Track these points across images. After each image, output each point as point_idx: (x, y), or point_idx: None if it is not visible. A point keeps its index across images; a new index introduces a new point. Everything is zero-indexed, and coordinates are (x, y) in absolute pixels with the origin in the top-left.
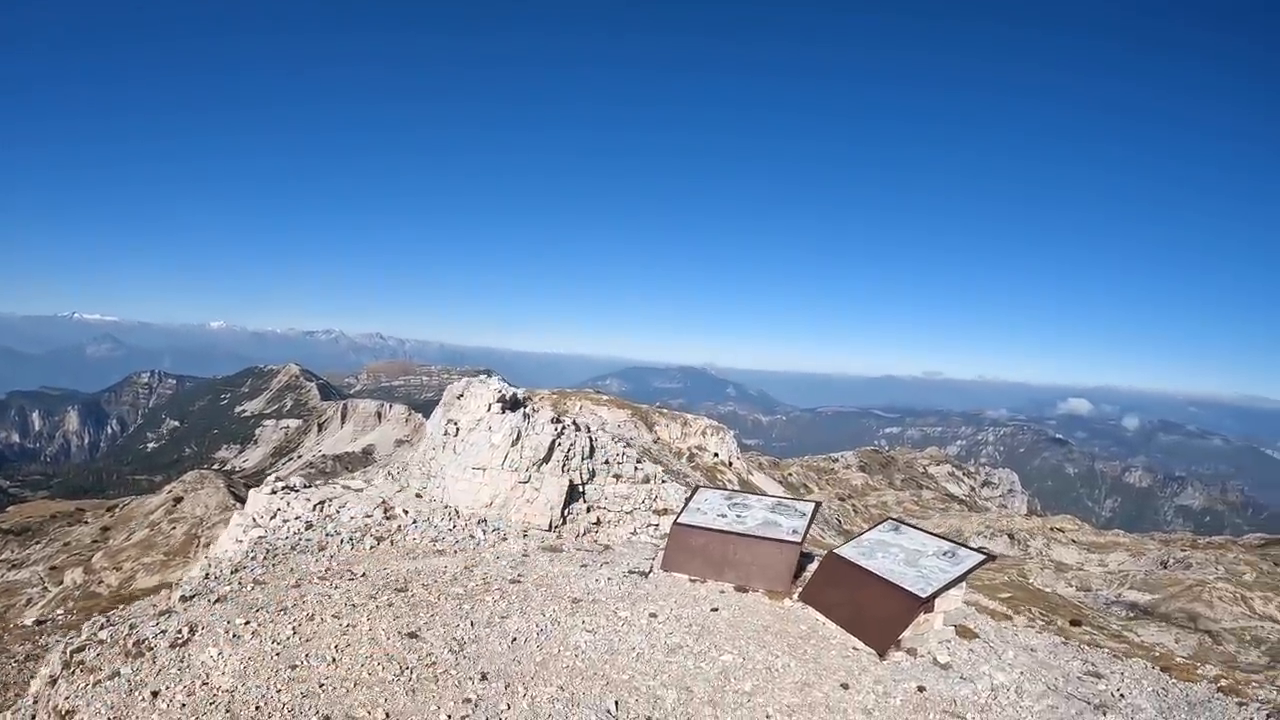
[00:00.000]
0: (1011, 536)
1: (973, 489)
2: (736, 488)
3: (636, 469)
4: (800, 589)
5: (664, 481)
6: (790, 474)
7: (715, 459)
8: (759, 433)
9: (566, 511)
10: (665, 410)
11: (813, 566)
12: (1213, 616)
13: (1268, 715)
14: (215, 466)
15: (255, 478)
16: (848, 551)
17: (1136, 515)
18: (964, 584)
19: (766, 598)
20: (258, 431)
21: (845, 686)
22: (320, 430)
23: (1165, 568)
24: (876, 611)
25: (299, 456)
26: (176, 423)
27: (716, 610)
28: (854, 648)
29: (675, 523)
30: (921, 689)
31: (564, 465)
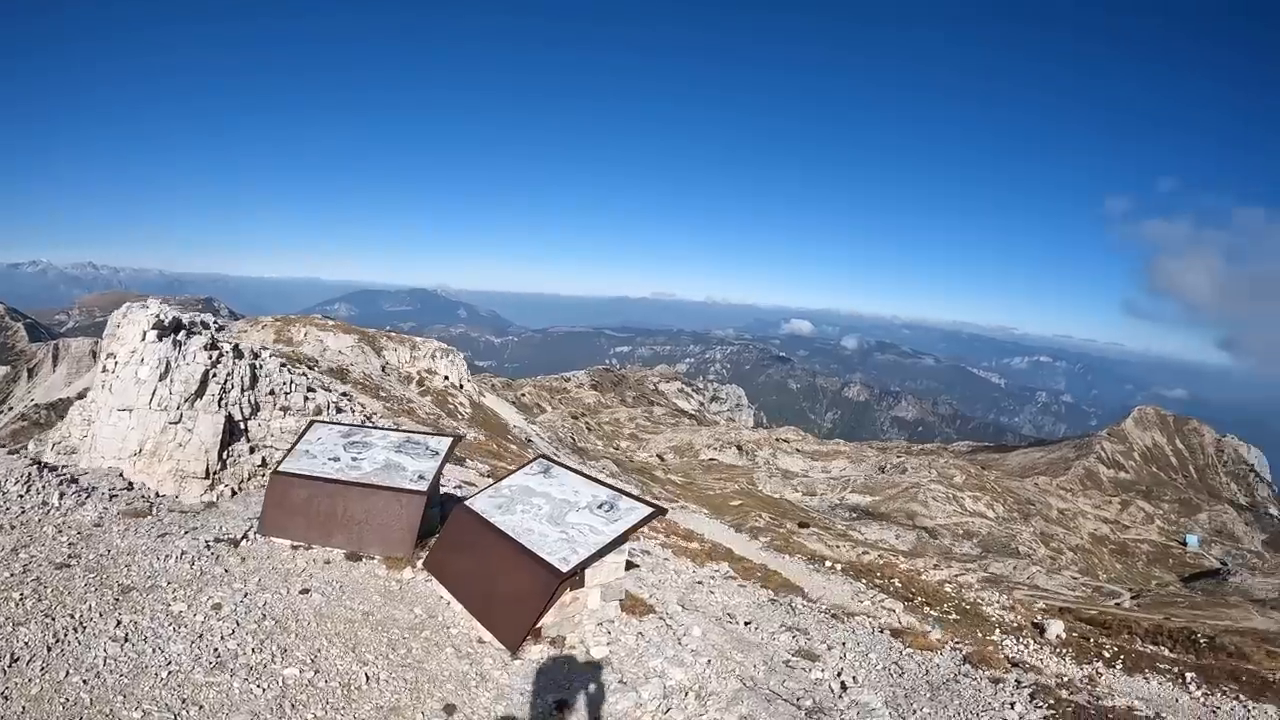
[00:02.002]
0: (740, 448)
1: (702, 404)
2: (465, 408)
3: (307, 399)
4: (426, 554)
5: (339, 411)
6: (523, 395)
7: (446, 382)
8: (491, 354)
9: (226, 454)
10: (394, 334)
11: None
12: (929, 514)
13: (1031, 694)
14: None
15: None
16: (481, 503)
17: (856, 426)
18: (626, 546)
19: (383, 567)
20: None
21: (450, 710)
22: (31, 376)
23: (884, 473)
24: (507, 590)
25: (9, 409)
26: None
27: (308, 592)
28: (479, 640)
29: (275, 470)
30: (562, 706)
31: (220, 399)
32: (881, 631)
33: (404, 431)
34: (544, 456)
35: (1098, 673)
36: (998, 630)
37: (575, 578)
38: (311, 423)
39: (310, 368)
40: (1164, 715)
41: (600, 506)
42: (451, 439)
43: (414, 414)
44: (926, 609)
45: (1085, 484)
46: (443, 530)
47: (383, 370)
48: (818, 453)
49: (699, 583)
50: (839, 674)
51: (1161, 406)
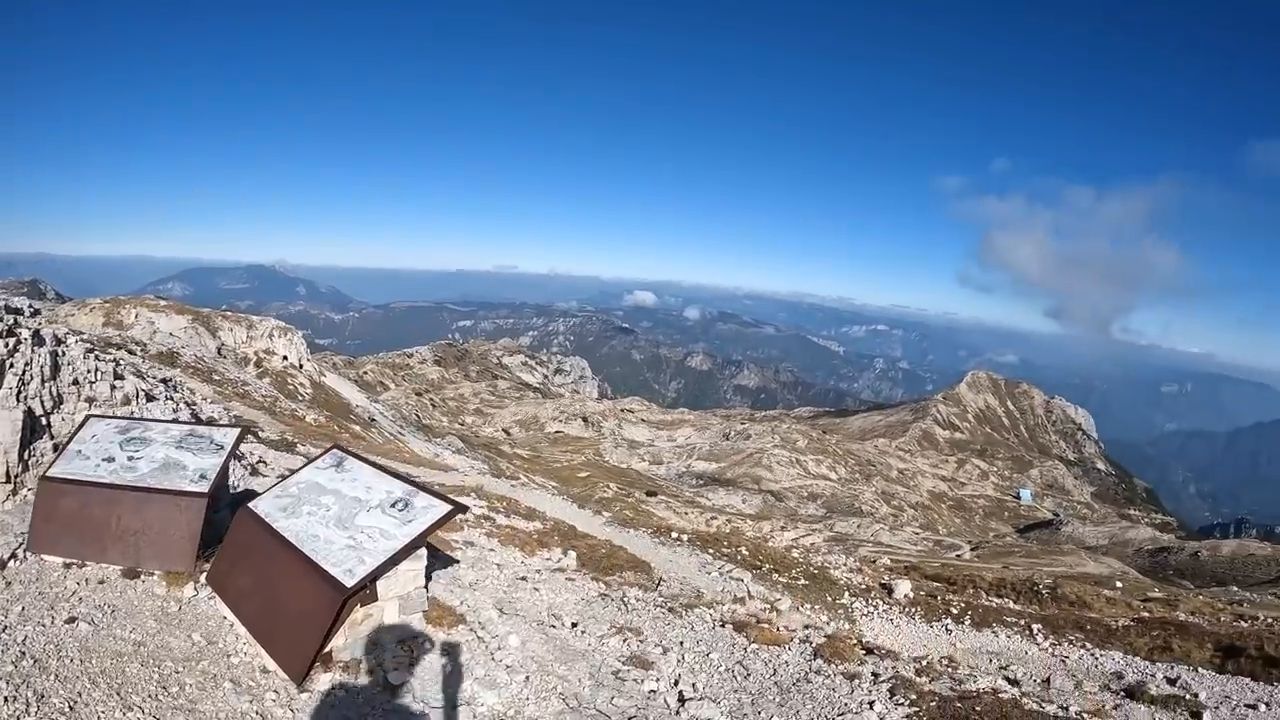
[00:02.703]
0: (586, 420)
1: (546, 377)
2: (306, 389)
3: (114, 388)
4: (210, 566)
5: (149, 401)
6: (366, 373)
7: (285, 363)
8: (332, 331)
9: (27, 453)
10: (230, 314)
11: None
12: (774, 479)
13: (891, 689)
14: None
15: None
16: (265, 504)
17: (699, 395)
18: (423, 551)
19: (163, 584)
20: None
21: None
22: None
23: (728, 440)
24: (290, 609)
25: None
26: None
27: (74, 621)
28: (264, 670)
29: (42, 476)
30: None
31: (19, 393)
32: (724, 626)
33: (187, 424)
34: (338, 447)
35: (955, 648)
36: (847, 593)
37: (366, 591)
38: (87, 417)
39: (130, 352)
40: (1022, 683)
41: (394, 505)
42: (239, 430)
43: (248, 397)
44: (775, 576)
45: (923, 445)
46: (228, 535)
47: (218, 352)
48: (663, 422)
49: (523, 579)
50: (676, 683)
51: (993, 371)
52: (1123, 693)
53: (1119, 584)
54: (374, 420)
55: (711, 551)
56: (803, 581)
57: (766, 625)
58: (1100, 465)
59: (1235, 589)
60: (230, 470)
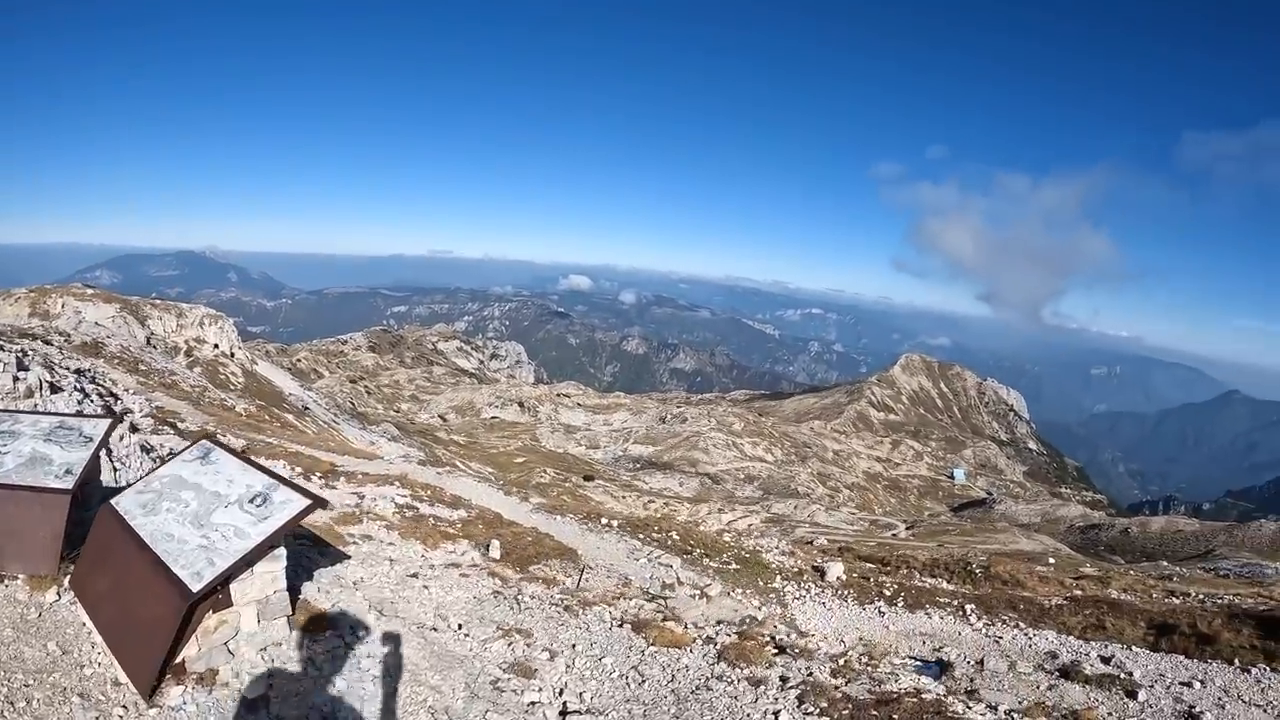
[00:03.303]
0: (522, 405)
1: (482, 362)
2: (237, 378)
3: (17, 380)
4: (74, 569)
5: (54, 392)
6: (299, 360)
7: (216, 351)
8: (265, 318)
9: None
10: (160, 301)
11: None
12: (710, 461)
13: (800, 696)
14: None
15: None
16: (127, 501)
17: (635, 379)
18: (281, 551)
19: (26, 588)
20: None
21: None
22: None
23: (664, 423)
24: (141, 616)
25: None
26: None
27: None
28: (116, 683)
29: None
30: None
31: None
32: (622, 626)
33: (58, 415)
34: (208, 437)
35: (888, 630)
36: (779, 577)
37: (219, 596)
38: None
39: (48, 343)
40: (956, 665)
41: (252, 501)
42: (109, 421)
43: (175, 387)
44: (706, 561)
45: (858, 426)
46: (90, 535)
47: (147, 341)
48: (599, 406)
49: (414, 575)
50: (561, 692)
51: (927, 354)
52: (1057, 673)
53: (1052, 560)
54: (307, 409)
55: (641, 537)
56: (734, 566)
57: (669, 625)
58: (1032, 445)
59: (1165, 564)
60: (132, 464)
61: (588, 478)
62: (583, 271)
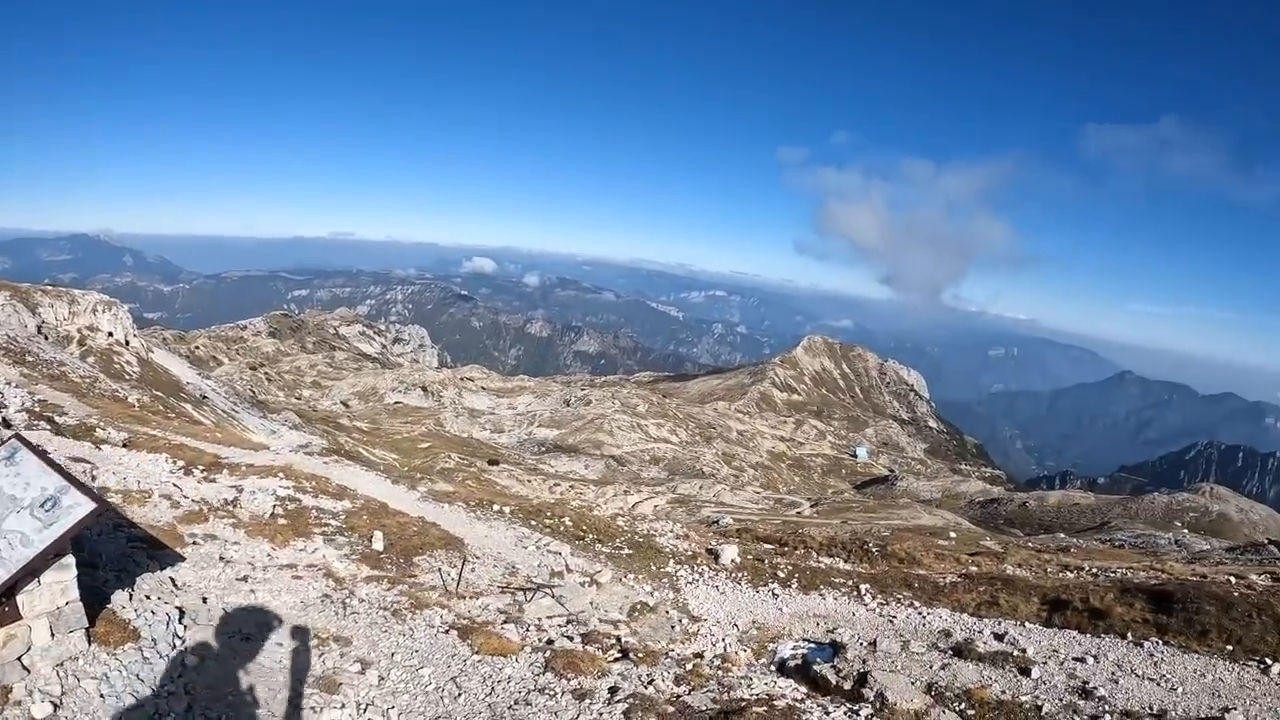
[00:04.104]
0: (425, 389)
1: (385, 347)
2: (133, 367)
3: None
4: None
5: None
6: (197, 347)
7: (110, 339)
8: (161, 304)
9: None
10: (51, 288)
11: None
12: (615, 444)
13: (627, 710)
14: None
15: None
16: None
17: (540, 361)
18: (70, 559)
19: None
20: None
21: None
22: None
23: (569, 406)
24: None
25: None
26: None
27: None
28: None
29: None
30: None
31: None
32: (448, 632)
33: None
34: (17, 436)
35: (781, 613)
36: (672, 561)
37: (4, 609)
38: None
39: None
40: (849, 646)
41: (43, 505)
42: None
43: (63, 379)
44: (598, 546)
45: (761, 407)
46: None
47: (38, 330)
48: (503, 390)
49: (244, 579)
50: (365, 708)
51: (829, 336)
52: (951, 651)
53: (953, 535)
54: (206, 398)
55: (533, 524)
56: (627, 551)
57: (501, 630)
58: (932, 423)
59: (1063, 536)
60: None
61: (493, 462)
62: (487, 254)
